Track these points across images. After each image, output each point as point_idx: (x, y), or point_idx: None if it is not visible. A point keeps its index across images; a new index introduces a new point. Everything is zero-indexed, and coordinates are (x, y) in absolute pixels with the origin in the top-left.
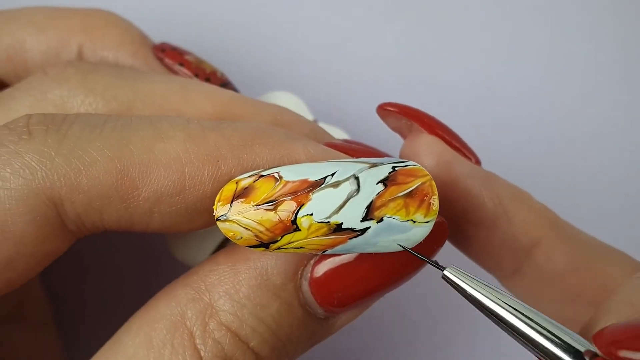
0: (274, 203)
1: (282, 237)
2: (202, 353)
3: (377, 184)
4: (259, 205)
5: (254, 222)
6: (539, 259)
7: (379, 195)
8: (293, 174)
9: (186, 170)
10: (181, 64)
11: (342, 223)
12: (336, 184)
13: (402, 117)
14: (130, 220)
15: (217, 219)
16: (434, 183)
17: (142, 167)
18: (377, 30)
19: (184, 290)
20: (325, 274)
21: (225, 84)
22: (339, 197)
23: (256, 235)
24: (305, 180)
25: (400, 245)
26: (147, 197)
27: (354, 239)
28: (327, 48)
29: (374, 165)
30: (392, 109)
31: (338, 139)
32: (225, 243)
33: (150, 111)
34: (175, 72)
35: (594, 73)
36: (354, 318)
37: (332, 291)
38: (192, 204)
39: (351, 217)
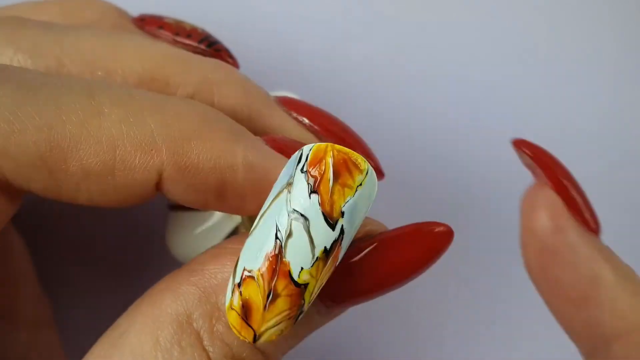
0: (272, 293)
1: (303, 298)
2: (210, 354)
3: (310, 198)
4: (265, 306)
5: (277, 317)
6: (616, 354)
7: (321, 204)
8: (253, 259)
9: (117, 153)
10: (161, 27)
11: (325, 247)
12: (289, 233)
13: (533, 162)
14: (57, 191)
15: (254, 343)
16: (337, 146)
17: (72, 141)
18: (377, 30)
19: (190, 289)
20: None
21: (206, 37)
22: (303, 238)
23: (289, 318)
24: (267, 256)
25: None
26: (75, 172)
27: (342, 242)
28: (327, 48)
29: (290, 183)
30: (526, 152)
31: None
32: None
33: (78, 69)
34: (157, 36)
35: (594, 72)
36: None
37: (334, 289)
38: (121, 186)
39: (324, 236)
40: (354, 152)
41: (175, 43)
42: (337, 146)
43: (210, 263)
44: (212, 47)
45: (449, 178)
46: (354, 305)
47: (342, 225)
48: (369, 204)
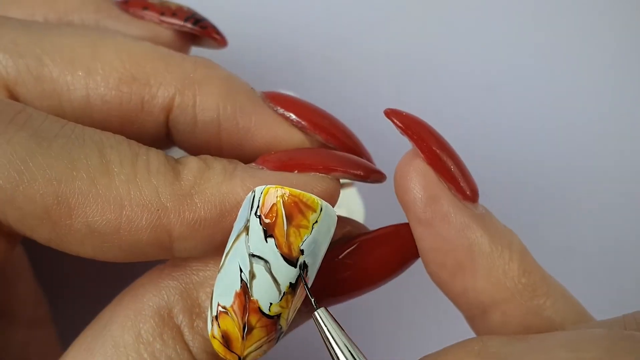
0: (247, 327)
1: (280, 324)
2: (191, 348)
3: (267, 242)
4: (243, 337)
5: (257, 343)
6: (492, 320)
7: (279, 247)
8: (224, 295)
9: (124, 213)
10: (145, 8)
11: (290, 282)
12: (253, 275)
13: (404, 133)
14: (61, 243)
15: None
16: (287, 188)
17: (80, 198)
18: (377, 30)
19: (172, 283)
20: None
21: (192, 15)
22: (266, 278)
23: (269, 341)
24: (236, 294)
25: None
26: (79, 228)
27: (307, 273)
28: (327, 47)
29: (247, 227)
30: (396, 122)
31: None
32: None
33: (59, 67)
34: (141, 17)
35: (595, 72)
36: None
37: (315, 289)
38: (127, 245)
39: (287, 275)
40: (305, 193)
41: (161, 22)
42: (288, 189)
43: (194, 260)
44: (198, 24)
45: None
46: (335, 304)
47: (304, 261)
48: (331, 234)
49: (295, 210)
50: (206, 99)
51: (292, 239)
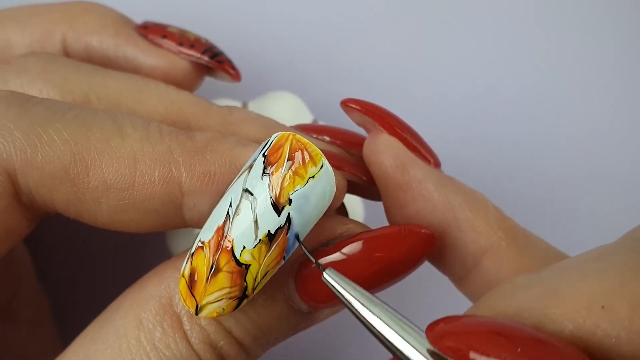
0: (214, 267)
1: (245, 281)
2: (189, 337)
3: (262, 180)
4: (208, 278)
5: (218, 293)
6: (486, 269)
7: (270, 187)
8: (207, 231)
9: (138, 167)
10: (164, 37)
11: (269, 230)
12: (238, 210)
13: (364, 115)
14: (78, 203)
15: (196, 314)
16: (297, 136)
17: (96, 155)
18: (377, 30)
19: (174, 273)
20: (310, 271)
21: (209, 48)
22: (248, 217)
23: (230, 298)
24: (217, 229)
25: (299, 242)
26: (96, 185)
27: (288, 230)
28: (327, 48)
29: (251, 165)
30: (354, 107)
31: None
32: None
33: (104, 106)
34: (160, 45)
35: (595, 72)
36: (338, 311)
37: (316, 288)
38: (140, 201)
39: (270, 221)
40: (313, 145)
41: (179, 53)
42: (298, 136)
43: None
44: (215, 59)
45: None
46: (336, 306)
47: (289, 213)
48: (325, 200)
49: (297, 157)
50: (244, 135)
51: (284, 183)
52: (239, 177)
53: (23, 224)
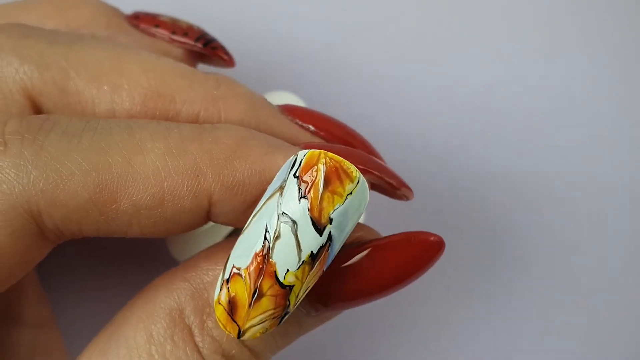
0: (257, 292)
1: (288, 300)
2: (201, 349)
3: (300, 202)
4: (250, 304)
5: (262, 316)
6: None
7: (310, 209)
8: (242, 257)
9: (165, 184)
10: (157, 26)
11: (312, 251)
12: (277, 235)
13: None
14: (109, 229)
15: (239, 338)
16: (329, 154)
17: (120, 180)
18: (377, 30)
19: (183, 284)
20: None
21: (202, 35)
22: (290, 241)
23: (274, 317)
24: (256, 255)
25: None
26: (126, 210)
27: (330, 248)
28: (327, 48)
29: (282, 187)
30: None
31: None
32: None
33: (84, 81)
34: (152, 35)
35: (596, 71)
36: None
37: (325, 294)
38: (171, 215)
39: (312, 241)
40: (347, 161)
41: (172, 41)
42: (330, 154)
43: (204, 261)
44: (208, 45)
45: (451, 179)
46: (344, 310)
47: (330, 232)
48: (360, 212)
49: (334, 175)
50: (230, 115)
51: (324, 203)
52: (269, 197)
53: (45, 251)
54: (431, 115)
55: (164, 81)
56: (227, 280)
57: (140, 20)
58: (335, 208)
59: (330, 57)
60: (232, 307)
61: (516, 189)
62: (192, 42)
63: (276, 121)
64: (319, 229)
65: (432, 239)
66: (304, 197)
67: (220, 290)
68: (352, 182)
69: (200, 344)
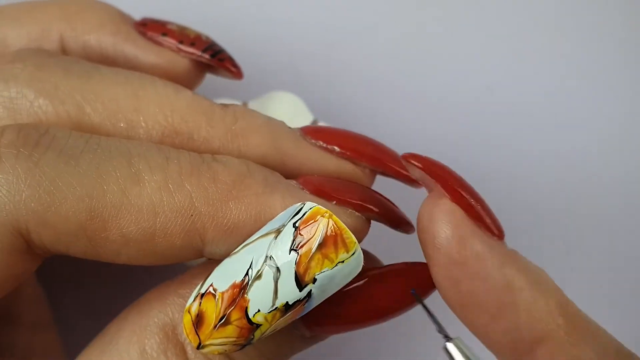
0: (224, 319)
1: (253, 335)
2: None
3: (289, 254)
4: (216, 326)
5: (224, 339)
6: (540, 358)
7: (297, 264)
8: (222, 281)
9: (158, 220)
10: (164, 34)
11: (287, 302)
12: (259, 275)
13: (426, 175)
14: (96, 255)
15: (198, 349)
16: (334, 218)
17: (113, 210)
18: (377, 30)
19: (177, 300)
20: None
21: (210, 45)
22: (269, 285)
23: (234, 344)
24: (234, 284)
25: (415, 295)
26: (115, 239)
27: (307, 303)
28: (327, 48)
29: (279, 231)
30: (416, 164)
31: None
32: None
33: (100, 117)
34: (159, 43)
35: (596, 72)
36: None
37: (320, 317)
38: (160, 251)
39: (290, 294)
40: (348, 231)
41: (179, 51)
42: (335, 218)
43: (200, 278)
44: (216, 57)
45: None
46: (338, 333)
47: (311, 290)
48: (347, 281)
49: (330, 241)
50: (250, 150)
51: (312, 263)
52: (265, 234)
53: (34, 265)
54: (431, 114)
55: (181, 118)
56: (202, 295)
57: (148, 28)
58: (323, 271)
59: (330, 58)
60: (198, 320)
61: (516, 189)
62: (199, 53)
63: (299, 149)
64: (300, 284)
65: (427, 272)
66: (296, 250)
67: (194, 301)
68: (347, 252)
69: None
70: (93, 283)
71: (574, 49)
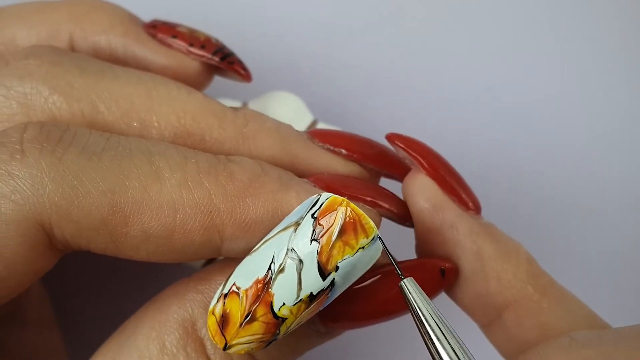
0: (250, 316)
1: (279, 330)
2: None
3: (311, 244)
4: (241, 324)
5: (250, 337)
6: (508, 322)
7: (319, 253)
8: (245, 279)
9: (177, 216)
10: (174, 36)
11: (311, 292)
12: (282, 269)
13: (406, 153)
14: (116, 251)
15: (224, 350)
16: (352, 205)
17: (135, 205)
18: (377, 30)
19: (196, 296)
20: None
21: (220, 48)
22: (292, 277)
23: (260, 341)
24: (257, 281)
25: (380, 240)
26: (135, 235)
27: (330, 292)
28: (327, 48)
29: (298, 223)
30: (398, 144)
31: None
32: None
33: (114, 116)
34: (169, 45)
35: (596, 72)
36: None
37: (336, 312)
38: (180, 247)
39: (314, 284)
40: (366, 216)
41: (189, 53)
42: (352, 205)
43: (218, 274)
44: (225, 60)
45: None
46: (353, 329)
47: (334, 279)
48: (369, 265)
49: (350, 227)
50: (260, 152)
51: (334, 252)
52: (283, 229)
53: (53, 261)
54: (432, 115)
55: (194, 120)
56: (225, 295)
57: (158, 30)
58: (344, 258)
59: (330, 58)
60: (224, 321)
61: (516, 188)
62: (209, 55)
63: (308, 151)
64: (323, 273)
65: (446, 265)
66: (316, 240)
67: (217, 302)
68: (367, 238)
69: (212, 357)
70: (98, 284)
71: (574, 49)
